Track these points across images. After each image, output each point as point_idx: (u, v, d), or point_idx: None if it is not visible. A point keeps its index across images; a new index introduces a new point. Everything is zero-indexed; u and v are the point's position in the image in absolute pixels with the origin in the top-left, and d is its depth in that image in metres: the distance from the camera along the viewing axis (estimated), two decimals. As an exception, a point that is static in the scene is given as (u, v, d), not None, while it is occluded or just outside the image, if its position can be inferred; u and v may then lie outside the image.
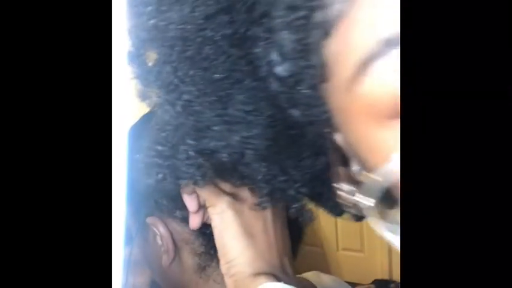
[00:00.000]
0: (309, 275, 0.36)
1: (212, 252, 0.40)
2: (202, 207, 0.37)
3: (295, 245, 0.42)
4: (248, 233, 0.34)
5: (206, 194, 0.35)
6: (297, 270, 0.42)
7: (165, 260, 0.41)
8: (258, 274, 0.33)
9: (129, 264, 0.42)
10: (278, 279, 0.33)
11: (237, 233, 0.34)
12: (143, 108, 0.46)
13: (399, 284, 0.33)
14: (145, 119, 0.45)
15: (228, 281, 0.34)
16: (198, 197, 0.37)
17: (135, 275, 0.48)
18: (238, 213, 0.34)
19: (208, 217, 0.37)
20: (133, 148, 0.42)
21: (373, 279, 2.38)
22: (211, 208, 0.35)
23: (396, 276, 2.40)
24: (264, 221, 0.36)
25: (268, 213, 0.36)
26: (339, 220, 2.52)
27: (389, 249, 2.30)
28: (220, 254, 0.34)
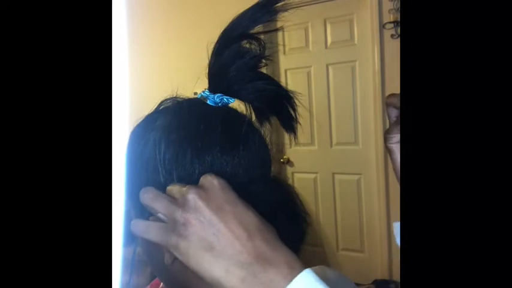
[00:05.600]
0: (315, 269, 0.36)
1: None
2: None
3: (297, 245, 0.43)
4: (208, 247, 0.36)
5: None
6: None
7: (167, 258, 0.41)
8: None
9: (133, 263, 0.43)
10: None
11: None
12: (145, 110, 0.46)
13: (399, 284, 0.34)
14: (149, 120, 0.45)
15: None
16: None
17: (138, 275, 0.48)
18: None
19: None
20: (137, 150, 0.43)
21: (373, 279, 2.38)
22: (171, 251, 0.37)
23: (396, 276, 2.40)
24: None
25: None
26: (339, 220, 2.52)
27: (390, 249, 2.31)
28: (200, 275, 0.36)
